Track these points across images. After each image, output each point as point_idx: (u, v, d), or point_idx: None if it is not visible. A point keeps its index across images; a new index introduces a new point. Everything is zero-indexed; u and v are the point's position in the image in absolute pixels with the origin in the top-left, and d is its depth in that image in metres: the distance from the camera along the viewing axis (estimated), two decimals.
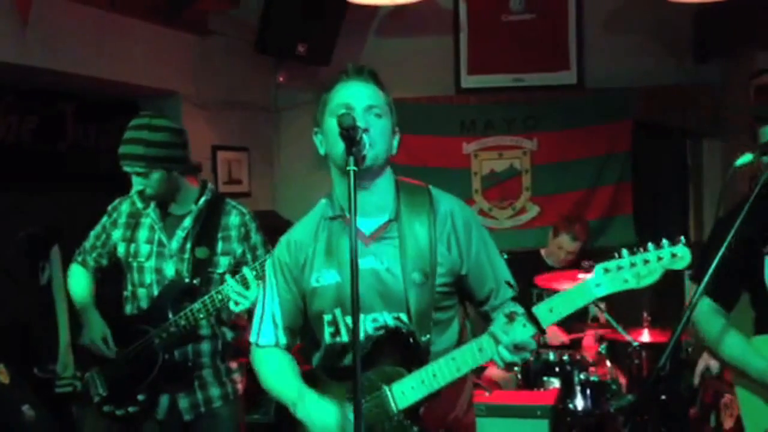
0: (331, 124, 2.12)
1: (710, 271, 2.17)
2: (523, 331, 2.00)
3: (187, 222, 3.16)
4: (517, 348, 2.00)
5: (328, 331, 2.24)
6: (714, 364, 3.85)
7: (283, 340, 2.31)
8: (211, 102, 5.32)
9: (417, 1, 4.35)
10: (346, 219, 2.20)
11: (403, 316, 2.16)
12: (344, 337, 2.21)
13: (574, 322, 4.75)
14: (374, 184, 2.19)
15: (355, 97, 2.14)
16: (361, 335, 2.14)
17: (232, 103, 5.63)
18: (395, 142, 2.22)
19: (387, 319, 2.17)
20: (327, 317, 2.23)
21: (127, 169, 3.06)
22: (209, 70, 5.38)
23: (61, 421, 4.04)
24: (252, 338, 2.35)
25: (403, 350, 2.14)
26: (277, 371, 2.29)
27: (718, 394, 3.87)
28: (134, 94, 5.10)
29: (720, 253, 2.16)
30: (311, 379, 2.26)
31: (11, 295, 4.28)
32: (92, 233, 3.36)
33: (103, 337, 3.17)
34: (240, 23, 5.55)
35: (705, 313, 2.46)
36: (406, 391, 2.09)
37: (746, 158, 2.32)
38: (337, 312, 2.21)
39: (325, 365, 2.28)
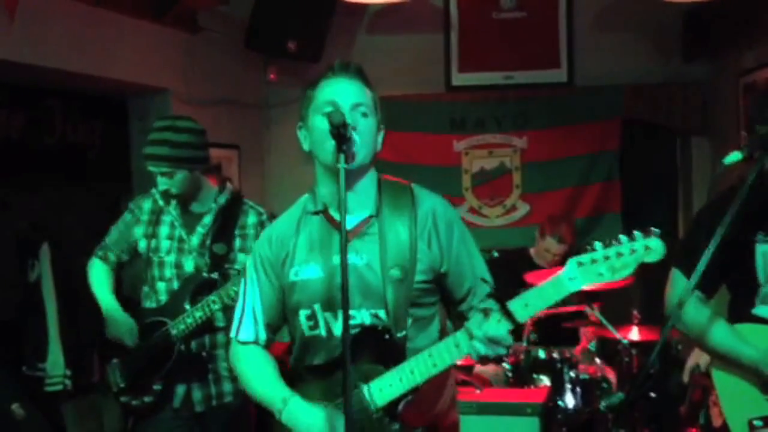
0: (318, 122, 2.12)
1: (699, 270, 2.18)
2: (497, 326, 2.00)
3: (208, 219, 3.28)
4: (491, 341, 2.00)
5: (306, 324, 2.22)
6: (703, 363, 3.86)
7: (263, 337, 2.30)
8: (200, 99, 5.29)
9: None
10: (329, 215, 2.21)
11: (381, 313, 2.15)
12: (323, 331, 2.20)
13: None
14: (358, 182, 2.19)
15: (342, 94, 2.13)
16: (338, 332, 2.14)
17: (222, 100, 5.61)
18: (380, 139, 2.22)
19: (364, 316, 2.17)
20: (305, 312, 2.22)
21: (152, 168, 3.16)
22: (199, 67, 5.36)
23: (50, 420, 4.02)
24: (232, 334, 2.34)
25: (379, 347, 2.13)
26: (260, 374, 2.27)
27: (707, 391, 3.88)
28: (123, 91, 5.08)
29: (712, 249, 2.17)
30: (289, 379, 2.25)
31: None
32: (114, 229, 3.45)
33: (131, 332, 3.26)
34: (230, 20, 5.53)
35: (691, 305, 2.47)
36: (383, 388, 2.09)
37: (735, 156, 2.33)
38: (317, 307, 2.20)
39: (300, 362, 2.26)
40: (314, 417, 2.11)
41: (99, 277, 3.42)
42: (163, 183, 3.17)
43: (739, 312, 2.55)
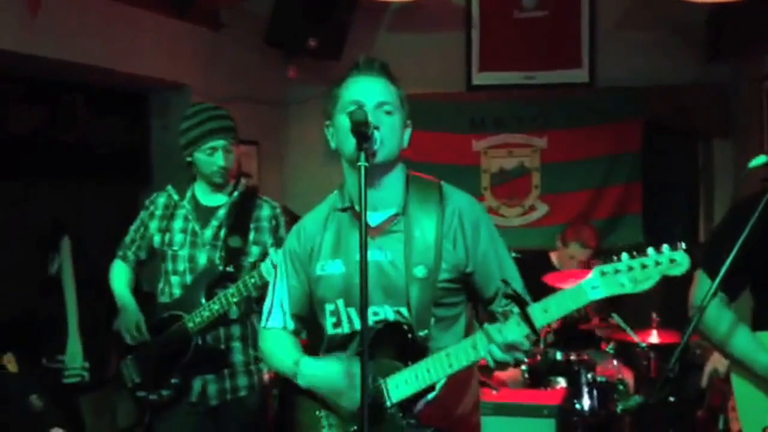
0: (342, 121, 2.13)
1: (722, 272, 2.17)
2: (516, 331, 1.99)
3: (222, 212, 3.30)
4: (509, 347, 1.99)
5: (330, 321, 2.25)
6: (722, 368, 3.83)
7: (290, 325, 2.35)
8: (220, 95, 5.28)
9: None
10: (355, 212, 2.21)
11: (404, 310, 2.17)
12: (345, 328, 2.23)
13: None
14: (384, 179, 2.20)
15: (366, 93, 2.15)
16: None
17: (242, 96, 5.61)
18: (406, 136, 2.23)
19: (388, 312, 2.18)
20: (329, 307, 2.25)
21: (220, 141, 3.21)
22: (219, 63, 5.38)
23: (68, 412, 4.05)
24: (261, 323, 2.40)
25: (400, 344, 2.14)
26: (278, 347, 2.33)
27: (726, 396, 3.85)
28: (144, 86, 5.11)
29: (734, 251, 2.15)
30: None
31: (20, 285, 4.30)
32: (131, 228, 3.48)
33: (136, 325, 3.27)
34: (251, 17, 5.54)
35: (713, 307, 2.45)
36: (400, 384, 2.10)
37: (760, 159, 2.31)
38: (340, 302, 2.23)
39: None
40: (330, 368, 2.16)
41: (117, 275, 3.46)
42: (221, 159, 3.21)
43: (763, 320, 2.52)
